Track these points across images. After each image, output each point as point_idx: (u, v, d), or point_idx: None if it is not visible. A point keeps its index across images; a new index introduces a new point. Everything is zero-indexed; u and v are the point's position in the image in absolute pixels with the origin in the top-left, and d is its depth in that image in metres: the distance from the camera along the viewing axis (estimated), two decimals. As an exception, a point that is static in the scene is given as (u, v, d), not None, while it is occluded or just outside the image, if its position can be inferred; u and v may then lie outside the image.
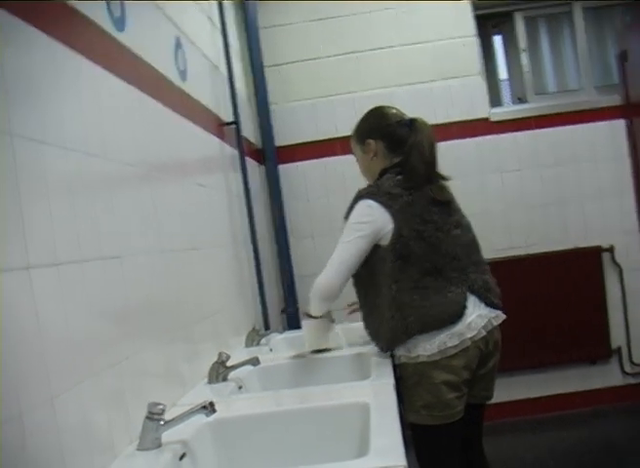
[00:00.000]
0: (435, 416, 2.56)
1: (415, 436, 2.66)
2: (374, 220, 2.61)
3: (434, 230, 2.60)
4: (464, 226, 2.76)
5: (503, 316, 2.71)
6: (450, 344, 2.52)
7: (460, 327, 2.54)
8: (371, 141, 2.82)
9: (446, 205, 2.72)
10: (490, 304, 2.66)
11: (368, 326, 2.80)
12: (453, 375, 2.54)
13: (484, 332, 2.59)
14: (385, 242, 2.60)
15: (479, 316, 2.59)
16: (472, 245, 2.76)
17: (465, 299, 2.59)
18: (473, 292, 2.63)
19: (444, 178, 2.77)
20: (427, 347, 2.54)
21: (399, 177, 2.68)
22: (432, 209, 2.64)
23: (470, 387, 2.64)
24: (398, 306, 2.56)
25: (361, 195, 2.69)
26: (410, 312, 2.54)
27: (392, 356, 2.67)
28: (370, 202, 2.64)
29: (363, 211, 2.65)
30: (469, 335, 2.54)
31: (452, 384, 2.54)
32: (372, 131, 2.84)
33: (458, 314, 2.55)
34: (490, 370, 2.72)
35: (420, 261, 2.56)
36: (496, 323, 2.66)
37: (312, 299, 2.75)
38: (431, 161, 2.72)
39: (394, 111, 2.87)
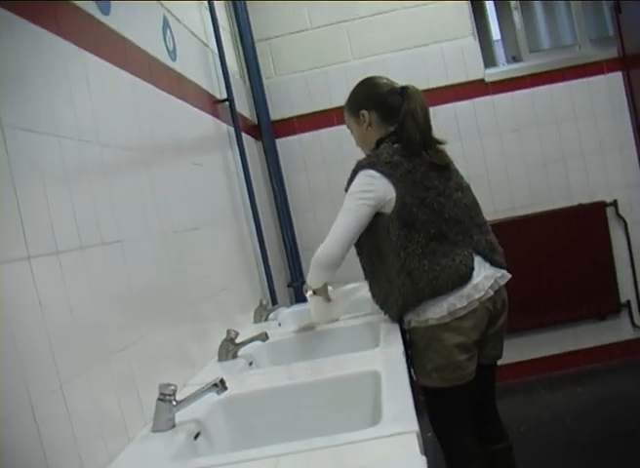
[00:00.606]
0: (446, 378, 2.60)
1: (427, 399, 2.71)
2: (376, 189, 2.62)
3: (436, 195, 2.63)
4: (465, 188, 2.78)
5: (509, 275, 2.73)
6: (459, 306, 2.56)
7: (467, 288, 2.57)
8: (364, 112, 2.82)
9: (445, 169, 2.74)
10: (495, 264, 2.69)
11: (375, 295, 2.83)
12: (463, 337, 2.58)
13: (491, 292, 2.62)
14: (389, 210, 2.61)
15: (485, 277, 2.62)
16: (473, 206, 2.78)
17: (472, 261, 2.61)
18: (479, 253, 2.66)
19: (440, 143, 2.78)
20: (437, 310, 2.57)
21: (396, 146, 2.69)
22: (432, 174, 2.66)
23: (480, 347, 2.68)
24: (408, 272, 2.58)
25: (362, 165, 2.70)
26: (420, 277, 2.56)
27: (401, 321, 2.70)
28: (371, 171, 2.65)
29: (364, 180, 2.66)
30: (477, 296, 2.58)
31: (463, 346, 2.58)
32: (364, 101, 2.85)
33: (467, 276, 2.58)
34: (499, 330, 2.76)
35: (425, 227, 2.58)
36: (502, 282, 2.69)
37: (313, 269, 2.77)
38: (426, 127, 2.72)
39: (385, 80, 2.88)
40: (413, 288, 2.58)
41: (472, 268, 2.60)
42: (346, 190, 2.73)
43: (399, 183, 2.60)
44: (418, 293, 2.58)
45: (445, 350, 2.58)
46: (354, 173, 2.71)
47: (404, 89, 2.78)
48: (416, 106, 2.71)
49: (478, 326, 2.61)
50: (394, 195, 2.60)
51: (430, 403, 2.72)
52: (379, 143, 2.77)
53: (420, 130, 2.69)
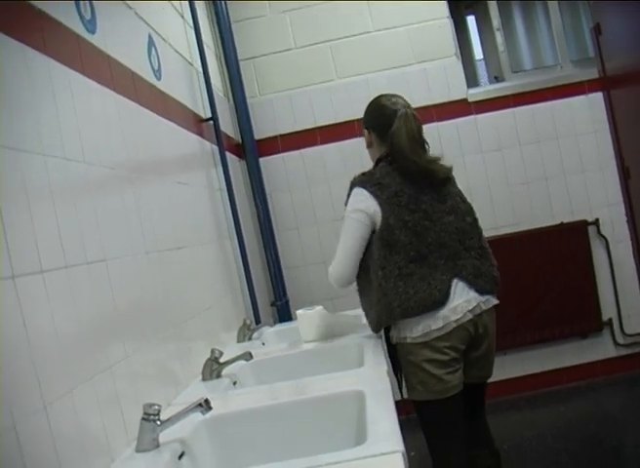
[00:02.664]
0: (430, 392, 2.69)
1: (417, 412, 2.80)
2: (366, 208, 2.74)
3: (421, 219, 2.71)
4: (461, 212, 2.84)
5: (495, 301, 2.81)
6: (434, 327, 2.65)
7: (444, 310, 2.65)
8: (366, 131, 2.96)
9: (440, 189, 2.82)
10: (479, 290, 2.75)
11: (362, 306, 2.97)
12: (439, 354, 2.66)
13: (470, 316, 2.69)
14: (376, 229, 2.74)
15: (466, 300, 2.69)
16: (468, 230, 2.83)
17: (449, 287, 2.68)
18: (462, 279, 2.72)
19: (435, 159, 2.86)
20: (413, 329, 2.68)
21: (389, 167, 2.80)
22: (422, 197, 2.74)
23: (466, 369, 2.76)
24: (384, 292, 2.69)
25: (355, 183, 2.83)
26: (394, 298, 2.66)
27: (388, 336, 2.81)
28: (362, 190, 2.77)
29: (356, 198, 2.79)
30: (454, 318, 2.65)
31: (439, 362, 2.66)
32: (367, 121, 2.98)
33: (440, 301, 2.65)
34: (484, 354, 2.81)
35: (405, 249, 2.68)
36: (485, 307, 2.74)
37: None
38: (413, 147, 2.79)
39: (391, 100, 2.91)
40: (386, 307, 2.69)
41: (447, 294, 2.67)
42: (345, 204, 2.85)
43: (385, 205, 2.70)
44: (391, 313, 2.68)
45: (425, 365, 2.67)
46: (350, 189, 2.84)
47: (396, 110, 2.83)
48: (401, 127, 2.78)
49: (455, 345, 2.68)
50: (381, 216, 2.71)
51: (420, 415, 2.79)
52: (377, 162, 2.88)
53: (406, 150, 2.76)
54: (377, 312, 2.74)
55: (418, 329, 2.66)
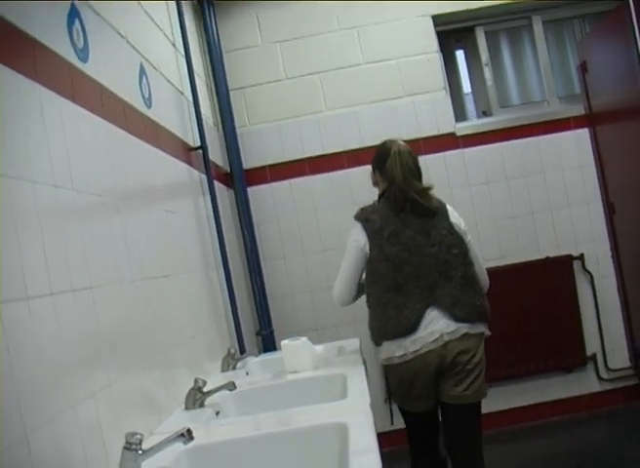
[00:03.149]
0: (400, 405, 3.25)
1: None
2: (360, 238, 3.14)
3: (400, 251, 3.04)
4: (445, 244, 3.09)
5: (464, 330, 3.03)
6: (396, 354, 3.03)
7: (406, 341, 3.00)
8: (371, 173, 3.32)
9: (426, 223, 3.11)
10: (455, 318, 3.01)
11: None
12: (403, 377, 3.07)
13: (432, 347, 2.99)
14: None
15: (429, 332, 2.99)
16: (452, 261, 3.08)
17: (420, 315, 3.00)
18: (436, 307, 3.02)
19: (427, 189, 3.18)
20: (383, 353, 3.09)
21: (383, 203, 3.16)
22: (405, 231, 3.06)
23: (444, 389, 3.09)
24: (371, 316, 3.16)
25: (354, 217, 3.20)
26: (375, 323, 3.12)
27: None
28: (356, 223, 3.17)
29: (353, 230, 3.19)
30: (412, 350, 2.99)
31: (404, 384, 3.08)
32: (372, 163, 3.32)
33: (410, 328, 2.99)
34: (460, 377, 3.06)
35: (383, 279, 3.06)
36: (449, 337, 3.00)
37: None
38: (406, 177, 3.12)
39: (388, 143, 3.26)
40: (371, 331, 3.16)
41: (416, 323, 2.99)
42: None
43: (371, 238, 3.09)
44: (373, 335, 3.15)
45: (393, 384, 3.19)
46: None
47: (391, 148, 3.19)
48: (392, 166, 3.13)
49: (418, 372, 3.03)
50: (368, 248, 3.10)
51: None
52: (379, 198, 3.25)
53: (396, 188, 3.11)
54: (370, 331, 3.16)
55: (384, 353, 3.08)
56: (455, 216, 3.23)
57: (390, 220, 3.08)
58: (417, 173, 3.17)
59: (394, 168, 3.12)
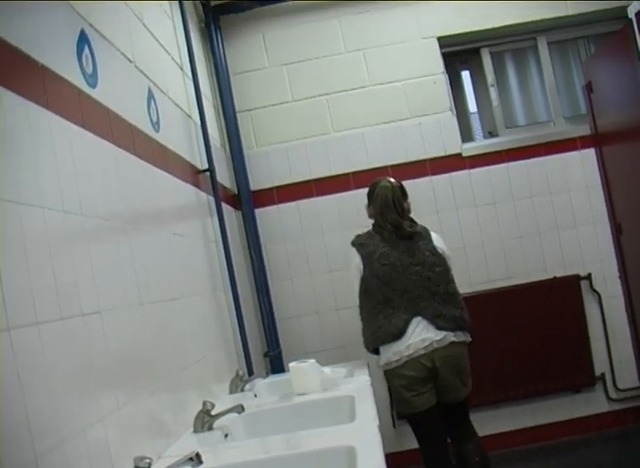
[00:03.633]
0: (403, 409, 3.67)
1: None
2: (355, 260, 3.70)
3: (389, 270, 3.58)
4: (428, 263, 3.63)
5: (450, 338, 3.54)
6: (393, 359, 3.54)
7: (401, 347, 3.50)
8: (366, 206, 3.88)
9: (410, 245, 3.66)
10: (439, 327, 3.53)
11: None
12: (403, 380, 3.54)
13: (423, 352, 3.49)
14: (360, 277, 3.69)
15: (422, 339, 3.50)
16: (435, 278, 3.61)
17: (407, 324, 3.53)
18: (424, 318, 3.54)
19: (399, 221, 3.68)
20: (383, 359, 3.60)
21: (373, 231, 3.74)
22: (392, 253, 3.63)
23: (439, 393, 3.60)
24: (364, 324, 3.68)
25: (350, 243, 3.77)
26: (368, 331, 3.65)
27: None
28: (352, 248, 3.74)
29: (350, 255, 3.75)
30: (406, 354, 3.50)
31: (404, 386, 3.55)
32: (368, 198, 3.87)
33: (397, 335, 3.51)
34: (449, 382, 3.59)
35: (374, 294, 3.60)
36: (438, 344, 3.52)
37: None
38: (384, 209, 3.69)
39: (377, 181, 3.85)
40: (364, 337, 3.68)
41: (403, 330, 3.51)
42: None
43: (363, 259, 3.66)
44: (366, 342, 3.68)
45: (395, 388, 3.64)
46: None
47: (377, 183, 3.81)
48: (376, 201, 3.74)
49: (414, 375, 3.51)
50: (362, 268, 3.66)
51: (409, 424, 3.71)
52: (373, 227, 3.76)
53: (381, 219, 3.70)
54: (363, 337, 3.69)
55: (383, 359, 3.59)
56: (439, 241, 3.76)
57: (380, 244, 3.65)
58: (393, 206, 3.69)
59: (376, 203, 3.74)
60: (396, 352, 3.50)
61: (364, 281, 3.63)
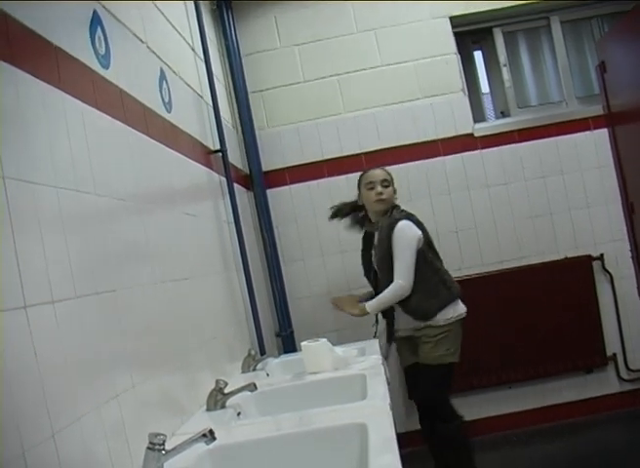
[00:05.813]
0: (456, 355, 3.93)
1: (433, 376, 3.91)
2: (419, 233, 3.94)
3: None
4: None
5: None
6: (463, 310, 3.98)
7: (459, 306, 3.99)
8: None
9: None
10: None
11: (412, 304, 3.96)
12: (461, 331, 3.97)
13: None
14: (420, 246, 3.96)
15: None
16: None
17: None
18: None
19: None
20: (457, 310, 3.95)
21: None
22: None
23: None
24: (425, 294, 3.91)
25: (400, 218, 3.96)
26: (439, 293, 3.94)
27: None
28: (408, 221, 3.94)
29: (410, 229, 3.92)
30: (464, 311, 4.00)
31: (462, 336, 3.97)
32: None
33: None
34: None
35: (437, 259, 4.04)
36: None
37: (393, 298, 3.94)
38: None
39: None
40: (427, 304, 3.90)
41: None
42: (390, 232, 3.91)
43: (423, 232, 3.97)
44: (439, 301, 3.91)
45: (458, 337, 3.94)
46: (396, 222, 3.92)
47: None
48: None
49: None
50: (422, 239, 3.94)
51: (437, 377, 3.91)
52: (394, 207, 4.06)
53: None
54: (437, 300, 3.91)
55: (458, 310, 3.95)
56: None
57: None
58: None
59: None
60: (463, 308, 3.98)
61: (424, 251, 3.92)
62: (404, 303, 3.93)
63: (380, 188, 4.03)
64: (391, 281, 3.89)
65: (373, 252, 4.13)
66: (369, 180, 4.08)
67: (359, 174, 4.23)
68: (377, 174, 4.11)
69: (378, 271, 4.08)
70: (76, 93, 1.90)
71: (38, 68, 1.68)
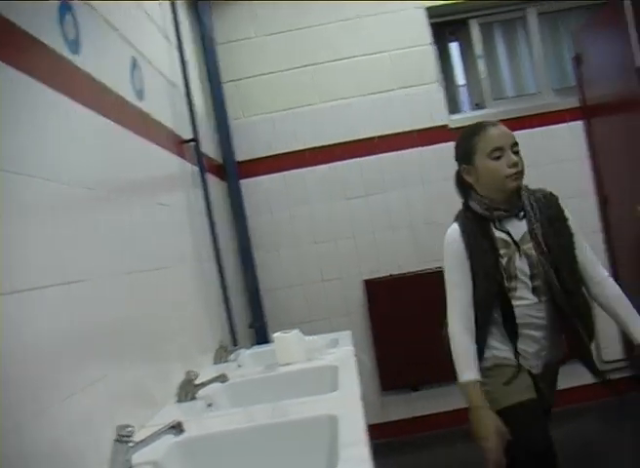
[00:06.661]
0: None
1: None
2: None
3: None
4: None
5: None
6: None
7: None
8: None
9: None
10: None
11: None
12: None
13: None
14: None
15: None
16: None
17: None
18: None
19: None
20: None
21: None
22: None
23: None
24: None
25: None
26: None
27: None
28: None
29: None
30: None
31: None
32: None
33: None
34: None
35: None
36: None
37: None
38: None
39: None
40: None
41: None
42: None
43: None
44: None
45: None
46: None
47: None
48: None
49: None
50: None
51: None
52: None
53: None
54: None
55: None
56: None
57: None
58: None
59: None
60: None
61: None
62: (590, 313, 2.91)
63: (513, 156, 2.70)
64: (579, 279, 2.76)
65: (502, 251, 2.71)
66: (494, 146, 2.68)
67: (334, 164, 4.18)
68: (503, 134, 2.74)
69: (551, 272, 2.70)
70: (44, 78, 1.86)
71: (3, 51, 1.64)
